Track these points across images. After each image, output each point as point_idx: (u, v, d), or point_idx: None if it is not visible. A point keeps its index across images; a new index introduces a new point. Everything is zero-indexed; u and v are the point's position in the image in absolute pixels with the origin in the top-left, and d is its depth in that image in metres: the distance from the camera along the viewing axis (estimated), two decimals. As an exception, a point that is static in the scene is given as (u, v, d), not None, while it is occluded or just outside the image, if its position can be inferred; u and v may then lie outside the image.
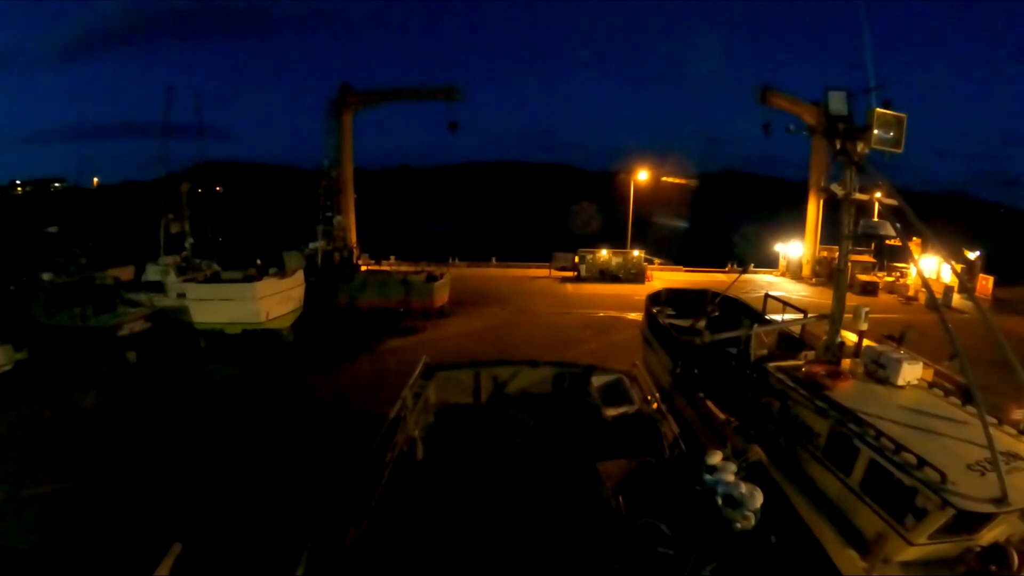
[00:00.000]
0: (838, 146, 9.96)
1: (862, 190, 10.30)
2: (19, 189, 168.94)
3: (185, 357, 21.90)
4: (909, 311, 30.74)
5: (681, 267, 46.50)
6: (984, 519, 6.57)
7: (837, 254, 11.15)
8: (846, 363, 10.03)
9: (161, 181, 26.36)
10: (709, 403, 11.75)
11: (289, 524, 10.27)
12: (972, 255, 34.14)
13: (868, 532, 7.30)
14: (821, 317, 11.98)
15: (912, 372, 9.24)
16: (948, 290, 31.20)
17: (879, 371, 9.47)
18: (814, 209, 41.41)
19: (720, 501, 7.19)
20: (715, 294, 18.16)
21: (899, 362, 9.19)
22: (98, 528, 10.87)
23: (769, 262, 45.75)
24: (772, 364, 10.54)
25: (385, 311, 27.98)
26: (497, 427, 11.69)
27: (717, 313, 15.45)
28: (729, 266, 45.27)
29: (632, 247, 42.27)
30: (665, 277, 40.98)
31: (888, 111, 9.58)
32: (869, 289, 34.26)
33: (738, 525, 6.99)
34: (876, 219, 11.00)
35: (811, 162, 40.62)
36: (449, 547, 7.63)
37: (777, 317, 15.59)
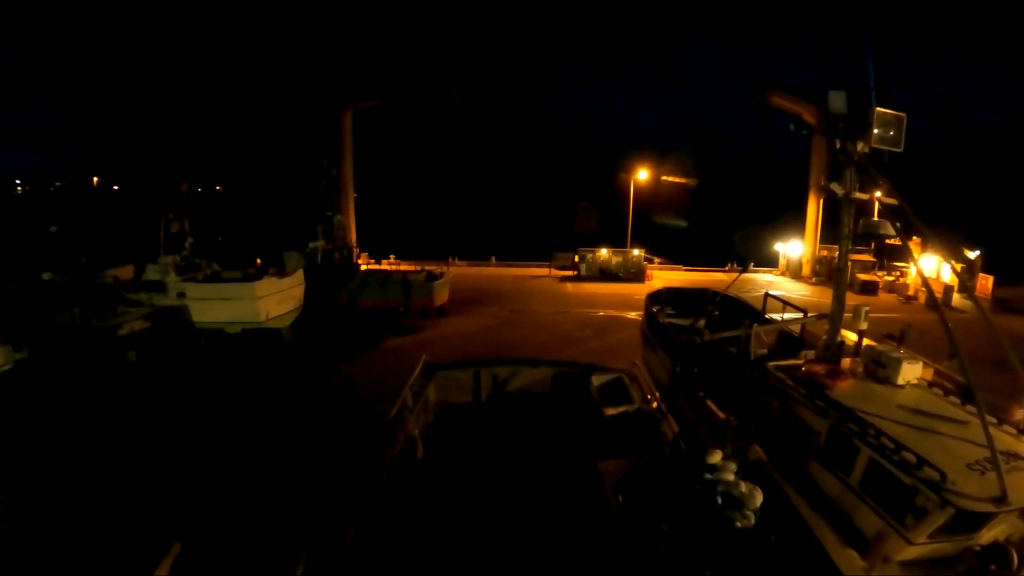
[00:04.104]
0: (838, 145, 9.96)
1: (862, 189, 10.29)
2: (19, 189, 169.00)
3: (185, 357, 21.90)
4: (909, 310, 30.74)
5: (681, 266, 46.47)
6: (984, 518, 6.56)
7: (837, 253, 11.15)
8: (846, 362, 10.01)
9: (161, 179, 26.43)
10: (709, 402, 11.74)
11: (289, 524, 10.27)
12: (972, 254, 34.13)
13: (868, 531, 7.30)
14: (821, 316, 11.98)
15: (912, 371, 9.23)
16: (948, 289, 31.19)
17: (879, 370, 9.46)
18: (814, 209, 41.40)
19: (720, 500, 7.19)
20: (715, 293, 18.16)
21: (899, 361, 9.18)
22: (98, 528, 10.87)
23: (769, 261, 45.75)
24: (772, 363, 10.53)
25: (385, 310, 27.97)
26: (497, 426, 11.71)
27: (717, 312, 15.44)
28: (729, 265, 45.26)
29: (632, 246, 42.28)
30: (665, 276, 40.98)
31: (888, 110, 9.58)
32: (869, 288, 34.25)
33: (738, 524, 7.00)
34: (876, 218, 11.00)
35: (811, 162, 40.61)
36: (449, 547, 7.64)
37: (777, 316, 15.58)
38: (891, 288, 35.80)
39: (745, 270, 39.13)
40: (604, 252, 40.55)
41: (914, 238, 25.89)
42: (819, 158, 38.61)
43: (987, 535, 6.80)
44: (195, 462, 13.43)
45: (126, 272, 26.04)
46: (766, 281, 39.11)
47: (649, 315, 17.37)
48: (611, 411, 11.23)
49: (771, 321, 15.28)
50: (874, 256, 38.88)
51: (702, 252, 49.33)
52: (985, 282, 32.67)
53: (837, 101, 9.70)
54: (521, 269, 44.92)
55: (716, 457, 7.69)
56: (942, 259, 30.50)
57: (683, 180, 55.55)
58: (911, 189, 10.05)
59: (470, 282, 36.73)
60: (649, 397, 11.56)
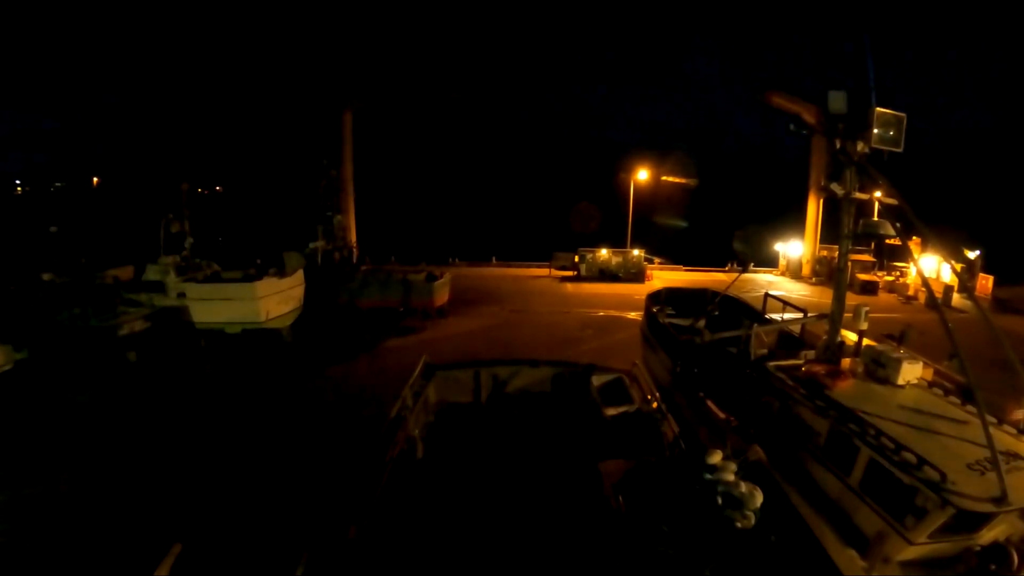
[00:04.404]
0: (838, 145, 9.96)
1: (862, 189, 10.30)
2: (19, 189, 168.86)
3: (185, 357, 21.90)
4: (909, 310, 30.74)
5: (681, 267, 46.48)
6: (984, 518, 6.57)
7: (837, 253, 11.16)
8: (846, 362, 10.02)
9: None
10: (709, 402, 11.75)
11: (289, 524, 10.28)
12: (972, 254, 34.14)
13: (868, 531, 7.30)
14: (821, 316, 11.98)
15: (912, 371, 9.23)
16: (948, 289, 31.19)
17: (879, 370, 9.47)
18: (814, 209, 41.41)
19: (720, 500, 7.20)
20: (715, 293, 18.16)
21: (899, 361, 9.18)
22: (98, 528, 10.87)
23: (769, 261, 45.75)
24: (772, 363, 10.54)
25: (385, 311, 27.97)
26: (497, 426, 11.72)
27: (717, 312, 15.45)
28: (729, 266, 45.28)
29: (632, 246, 42.29)
30: (665, 276, 40.98)
31: (888, 110, 9.59)
32: (869, 288, 34.26)
33: (738, 524, 7.00)
34: (876, 218, 11.01)
35: (811, 162, 40.62)
36: (449, 546, 7.64)
37: (777, 316, 15.58)
38: (891, 288, 35.80)
39: (745, 270, 39.14)
40: (604, 252, 40.55)
41: (914, 238, 25.90)
42: (819, 158, 38.62)
43: (987, 535, 6.81)
44: (195, 462, 13.44)
45: (126, 272, 26.05)
46: (766, 281, 39.10)
47: (649, 315, 17.37)
48: (611, 411, 11.24)
49: (771, 321, 15.28)
50: (874, 256, 38.88)
51: (702, 252, 49.32)
52: (985, 282, 32.67)
53: (837, 101, 9.71)
54: (521, 269, 44.93)
55: (716, 457, 7.70)
56: (942, 259, 30.50)
57: (683, 180, 55.60)
58: (911, 189, 10.06)
59: (470, 282, 36.73)
60: (649, 397, 11.56)
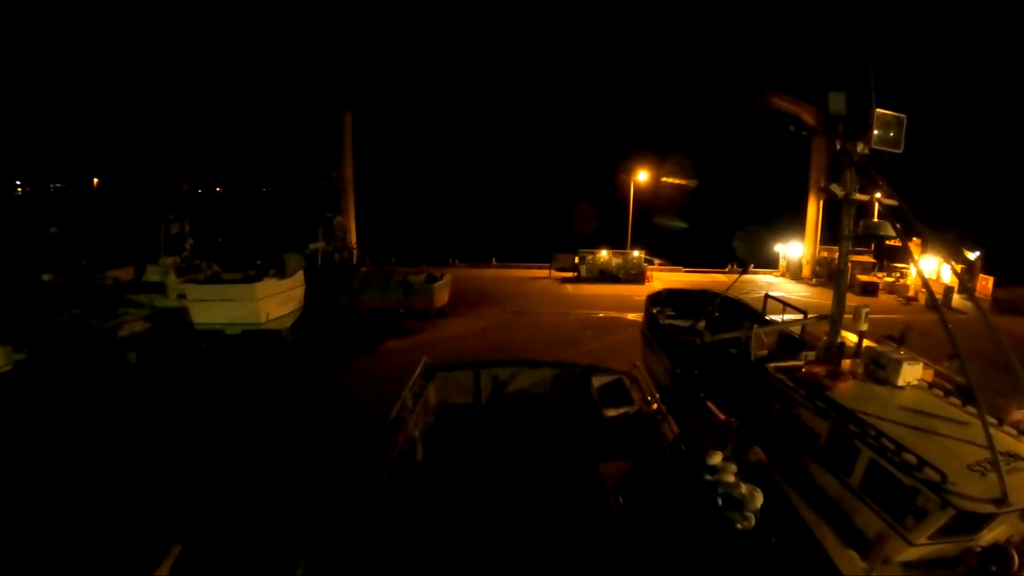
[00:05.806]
0: (838, 147, 9.97)
1: (862, 190, 10.30)
2: (19, 189, 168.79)
3: (185, 358, 21.90)
4: (909, 311, 30.75)
5: (681, 267, 46.50)
6: (984, 519, 6.57)
7: (837, 254, 11.16)
8: (846, 363, 10.01)
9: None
10: (709, 403, 11.75)
11: (289, 524, 10.27)
12: (972, 255, 34.14)
13: (868, 532, 7.30)
14: (821, 317, 11.98)
15: (912, 372, 9.23)
16: (948, 290, 31.20)
17: (879, 371, 9.47)
18: (814, 209, 41.43)
19: (720, 501, 7.20)
20: (715, 295, 18.16)
21: (899, 362, 9.18)
22: (97, 528, 10.87)
23: (769, 262, 45.76)
24: (772, 364, 10.53)
25: (385, 312, 27.98)
26: (497, 428, 11.71)
27: (717, 314, 15.45)
28: (729, 266, 45.28)
29: (632, 247, 42.30)
30: (665, 277, 41.00)
31: (888, 111, 9.60)
32: (869, 289, 34.27)
33: (738, 525, 7.00)
34: (876, 219, 11.02)
35: (811, 162, 40.64)
36: (449, 548, 7.64)
37: (777, 317, 15.59)
38: (891, 289, 35.82)
39: (745, 271, 39.14)
40: (604, 253, 40.56)
41: (914, 239, 25.91)
42: (819, 159, 38.66)
43: (988, 536, 6.81)
44: (195, 463, 13.43)
45: (126, 273, 26.04)
46: (766, 282, 39.13)
47: (649, 316, 17.37)
48: (611, 412, 11.23)
49: (771, 322, 15.28)
50: (874, 257, 38.91)
51: (702, 253, 49.30)
52: (985, 283, 32.68)
53: (837, 102, 9.71)
54: (521, 270, 44.94)
55: (716, 458, 7.69)
56: (942, 260, 30.55)
57: (683, 181, 55.58)
58: (911, 189, 10.07)
59: (470, 283, 36.74)
60: (649, 398, 11.56)
